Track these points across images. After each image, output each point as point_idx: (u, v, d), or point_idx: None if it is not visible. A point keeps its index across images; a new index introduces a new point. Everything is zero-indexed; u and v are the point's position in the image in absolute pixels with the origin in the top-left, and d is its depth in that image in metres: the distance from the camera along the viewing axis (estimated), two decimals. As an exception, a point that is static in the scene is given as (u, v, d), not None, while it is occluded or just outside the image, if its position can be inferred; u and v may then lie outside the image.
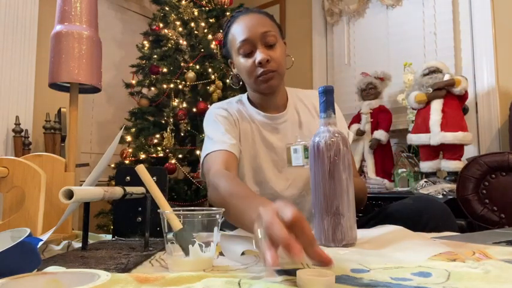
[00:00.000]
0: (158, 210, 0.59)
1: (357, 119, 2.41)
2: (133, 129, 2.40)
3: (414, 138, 2.02)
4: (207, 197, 1.04)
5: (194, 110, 2.33)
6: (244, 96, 1.18)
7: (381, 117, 2.29)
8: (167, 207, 0.61)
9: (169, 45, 2.42)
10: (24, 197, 0.78)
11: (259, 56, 1.02)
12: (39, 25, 2.29)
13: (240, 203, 0.76)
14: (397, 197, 1.82)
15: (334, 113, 0.74)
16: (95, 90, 0.94)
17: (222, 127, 1.07)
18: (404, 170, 2.10)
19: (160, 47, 2.46)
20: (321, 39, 2.99)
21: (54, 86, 0.90)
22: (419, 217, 0.95)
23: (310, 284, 0.42)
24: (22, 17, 2.22)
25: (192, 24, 2.48)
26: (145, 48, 2.50)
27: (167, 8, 2.48)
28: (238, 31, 1.06)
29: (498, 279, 0.47)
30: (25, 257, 0.46)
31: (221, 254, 0.64)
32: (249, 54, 1.04)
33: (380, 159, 2.28)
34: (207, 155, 1.01)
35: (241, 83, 1.15)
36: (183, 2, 2.48)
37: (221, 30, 2.51)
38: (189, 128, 2.36)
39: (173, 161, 2.21)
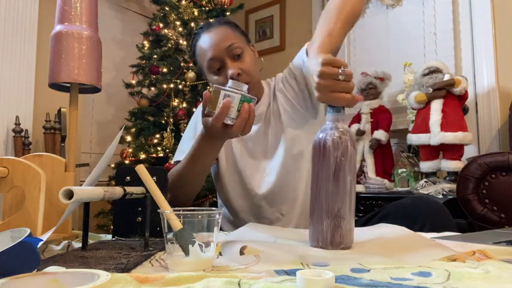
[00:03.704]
0: (158, 210, 0.59)
1: (356, 119, 2.41)
2: (134, 129, 2.40)
3: (414, 138, 2.02)
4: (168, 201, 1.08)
5: (194, 110, 2.33)
6: None
7: (381, 117, 2.29)
8: (167, 207, 0.61)
9: (169, 45, 2.42)
10: (24, 197, 0.78)
11: (229, 71, 1.03)
12: (39, 25, 2.29)
13: (189, 152, 0.96)
14: (397, 197, 1.82)
15: (344, 109, 0.70)
16: (95, 90, 0.94)
17: (193, 132, 1.17)
18: (404, 170, 2.10)
19: (160, 47, 2.46)
20: (321, 39, 2.99)
21: (54, 86, 0.90)
22: (417, 217, 0.96)
23: (310, 284, 0.42)
24: (22, 17, 2.22)
25: (192, 24, 2.47)
26: (145, 48, 2.49)
27: (167, 8, 2.48)
28: (204, 50, 1.07)
29: (498, 279, 0.47)
30: (25, 257, 0.46)
31: (221, 254, 0.64)
32: (219, 71, 1.06)
33: (380, 159, 2.27)
34: (176, 162, 1.15)
35: None
36: (183, 2, 2.48)
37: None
38: (189, 128, 2.36)
39: (173, 161, 2.21)
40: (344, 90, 0.69)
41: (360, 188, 2.24)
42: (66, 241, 0.79)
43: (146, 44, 2.51)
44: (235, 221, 1.15)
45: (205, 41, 1.08)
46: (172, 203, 1.04)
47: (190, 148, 0.98)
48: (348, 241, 0.67)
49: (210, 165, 1.02)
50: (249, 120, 0.81)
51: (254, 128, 1.13)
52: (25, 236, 0.47)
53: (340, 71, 0.69)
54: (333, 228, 0.66)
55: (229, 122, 0.81)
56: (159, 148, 2.27)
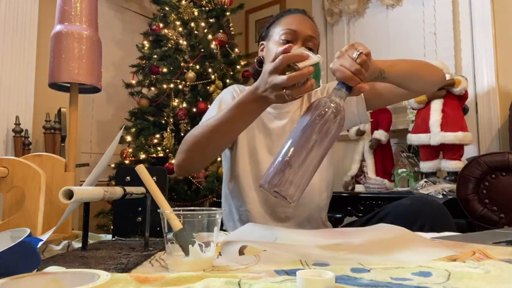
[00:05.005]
0: (158, 210, 0.59)
1: (357, 119, 2.40)
2: (134, 129, 2.40)
3: (414, 138, 2.02)
4: (177, 164, 1.05)
5: (194, 110, 2.33)
6: None
7: (381, 117, 2.28)
8: (167, 207, 0.61)
9: (169, 45, 2.42)
10: (24, 197, 0.78)
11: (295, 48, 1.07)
12: (39, 25, 2.29)
13: (228, 107, 0.89)
14: (397, 197, 1.82)
15: (346, 92, 0.74)
16: (95, 90, 0.94)
17: (216, 110, 1.13)
18: (404, 170, 2.10)
19: (160, 47, 2.46)
20: (321, 39, 2.99)
21: (54, 86, 0.90)
22: (417, 217, 0.96)
23: (310, 284, 0.42)
24: (22, 17, 2.22)
25: (192, 24, 2.47)
26: (145, 48, 2.49)
27: (167, 8, 2.48)
28: (291, 21, 1.13)
29: (498, 279, 0.47)
30: (25, 257, 0.46)
31: (221, 254, 0.64)
32: (287, 42, 1.10)
33: (380, 159, 2.27)
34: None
35: (262, 67, 1.20)
36: (183, 2, 2.48)
37: (221, 30, 2.51)
38: (189, 128, 2.36)
39: (173, 161, 2.21)
40: (349, 68, 0.75)
41: (360, 188, 2.24)
42: (66, 241, 0.79)
43: (146, 44, 2.51)
44: (240, 216, 1.14)
45: (298, 18, 1.14)
46: (184, 167, 1.05)
47: (226, 107, 0.92)
48: (284, 189, 0.66)
49: (239, 130, 0.96)
50: (303, 86, 0.76)
51: (280, 123, 1.15)
52: (25, 236, 0.47)
53: (355, 52, 0.77)
54: (277, 170, 0.67)
55: (291, 70, 0.77)
56: (159, 148, 2.27)
